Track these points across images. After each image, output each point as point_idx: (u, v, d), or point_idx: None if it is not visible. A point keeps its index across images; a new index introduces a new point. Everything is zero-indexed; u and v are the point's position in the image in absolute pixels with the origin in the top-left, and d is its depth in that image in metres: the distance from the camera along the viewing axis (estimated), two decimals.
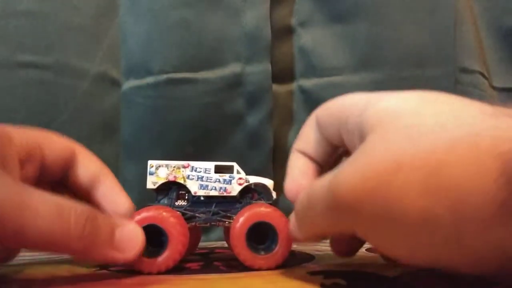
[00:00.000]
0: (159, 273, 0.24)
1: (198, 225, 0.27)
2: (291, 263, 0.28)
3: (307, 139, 0.26)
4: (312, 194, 0.21)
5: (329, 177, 0.20)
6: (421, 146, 0.17)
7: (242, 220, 0.25)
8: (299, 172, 0.26)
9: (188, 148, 0.43)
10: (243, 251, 0.25)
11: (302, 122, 0.43)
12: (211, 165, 0.27)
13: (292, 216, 0.24)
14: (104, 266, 0.28)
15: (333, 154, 0.26)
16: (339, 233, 0.25)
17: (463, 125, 0.17)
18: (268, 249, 0.25)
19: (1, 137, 0.22)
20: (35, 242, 0.20)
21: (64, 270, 0.27)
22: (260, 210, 0.25)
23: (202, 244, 0.41)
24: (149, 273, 0.24)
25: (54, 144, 0.26)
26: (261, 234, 0.25)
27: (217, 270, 0.26)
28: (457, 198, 0.15)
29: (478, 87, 0.45)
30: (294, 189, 0.25)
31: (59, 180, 0.27)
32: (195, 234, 0.30)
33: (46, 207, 0.20)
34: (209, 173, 0.27)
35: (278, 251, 0.25)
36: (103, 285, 0.22)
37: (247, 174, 0.28)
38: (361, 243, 0.26)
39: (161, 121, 0.43)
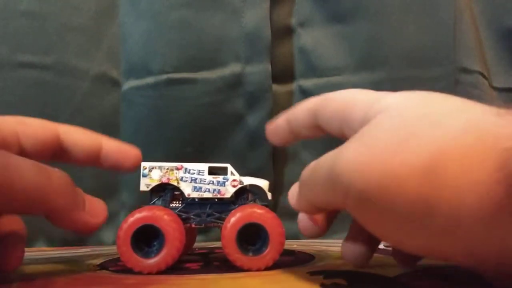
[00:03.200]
0: (159, 272, 0.24)
1: (193, 226, 0.27)
2: (291, 263, 0.28)
3: (297, 120, 0.27)
4: (318, 163, 0.22)
5: (335, 151, 0.21)
6: (427, 133, 0.17)
7: (233, 221, 0.25)
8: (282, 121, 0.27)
9: (188, 148, 0.43)
10: (233, 252, 0.25)
11: None
12: (204, 166, 0.27)
13: (295, 186, 0.25)
14: (104, 266, 0.28)
15: (317, 137, 0.27)
16: (332, 208, 0.25)
17: (467, 120, 0.17)
18: (258, 251, 0.25)
19: None
20: (21, 200, 0.20)
21: (64, 270, 0.27)
22: (251, 211, 0.25)
23: (202, 244, 0.41)
24: (149, 273, 0.24)
25: (30, 129, 0.26)
26: (254, 236, 0.25)
27: (217, 270, 0.26)
28: (456, 189, 0.16)
29: (478, 87, 0.45)
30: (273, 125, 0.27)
31: (50, 160, 0.27)
32: (190, 234, 0.30)
33: (29, 168, 0.21)
34: (202, 175, 0.27)
35: (268, 253, 0.25)
36: (103, 285, 0.22)
37: (247, 174, 0.27)
38: (373, 250, 0.25)
39: (161, 121, 0.43)
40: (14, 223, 0.26)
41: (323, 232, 0.26)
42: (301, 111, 0.26)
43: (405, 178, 0.16)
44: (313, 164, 0.23)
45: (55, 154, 0.27)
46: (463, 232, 0.16)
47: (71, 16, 0.44)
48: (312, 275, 0.24)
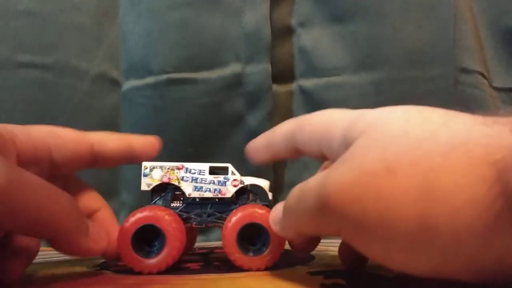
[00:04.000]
0: (159, 272, 0.24)
1: (194, 226, 0.27)
2: (291, 263, 0.28)
3: (276, 144, 0.26)
4: (304, 189, 0.21)
5: (322, 177, 0.20)
6: (416, 152, 0.16)
7: (233, 220, 0.25)
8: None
9: (188, 148, 0.43)
10: (233, 251, 0.25)
11: None
12: (205, 166, 0.27)
13: (277, 208, 0.24)
14: (104, 266, 0.28)
15: (295, 158, 0.27)
16: (320, 234, 0.25)
17: (456, 134, 0.16)
18: (259, 251, 0.25)
19: (2, 135, 0.23)
20: (27, 221, 0.20)
21: (64, 270, 0.27)
22: (252, 211, 0.25)
23: (202, 244, 0.41)
24: (149, 273, 0.24)
25: (62, 140, 0.26)
26: (255, 236, 0.25)
27: (217, 270, 0.26)
28: (453, 207, 0.15)
29: (478, 87, 0.45)
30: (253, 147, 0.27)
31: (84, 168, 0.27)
32: (191, 234, 0.30)
33: (39, 189, 0.20)
34: (203, 175, 0.27)
35: (268, 253, 0.25)
36: (103, 285, 0.22)
37: (247, 174, 0.27)
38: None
39: (161, 121, 0.43)
40: (28, 238, 0.25)
41: (316, 245, 0.26)
42: (279, 134, 0.26)
43: (400, 200, 0.16)
44: (297, 190, 0.22)
45: (89, 163, 0.27)
46: (464, 249, 0.15)
47: (71, 16, 0.44)
48: (312, 275, 0.24)
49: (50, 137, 0.25)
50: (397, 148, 0.17)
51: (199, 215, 0.26)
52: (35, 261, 0.25)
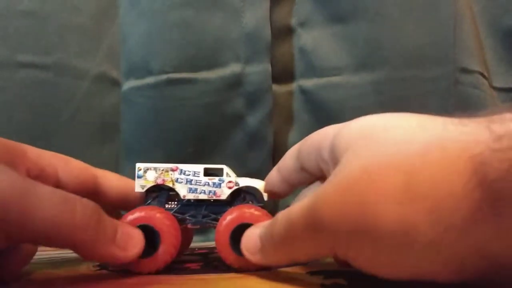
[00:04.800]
0: (158, 271, 0.24)
1: (189, 227, 0.26)
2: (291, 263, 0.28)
3: (286, 165, 0.27)
4: (291, 217, 0.21)
5: (309, 199, 0.20)
6: (393, 155, 0.17)
7: (226, 220, 0.25)
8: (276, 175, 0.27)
9: (188, 148, 0.43)
10: (225, 251, 0.25)
11: (302, 122, 0.43)
12: (200, 168, 0.26)
13: (250, 237, 0.23)
14: (104, 266, 0.28)
15: (307, 182, 0.27)
16: (315, 258, 0.25)
17: (432, 134, 0.17)
18: None
19: (15, 149, 0.23)
20: (39, 232, 0.19)
21: (64, 270, 0.27)
22: (244, 212, 0.25)
23: (202, 244, 0.41)
24: (149, 273, 0.24)
25: (69, 167, 0.26)
26: None
27: (217, 270, 0.26)
28: (433, 203, 0.16)
29: (478, 87, 0.45)
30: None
31: None
32: (186, 235, 0.30)
33: (51, 197, 0.20)
34: (198, 176, 0.26)
35: None
36: (103, 285, 0.22)
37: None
38: None
39: (161, 121, 0.43)
40: None
41: None
42: (289, 156, 0.27)
43: (382, 203, 0.16)
44: (284, 217, 0.21)
45: (91, 195, 0.26)
46: (445, 244, 0.16)
47: (71, 16, 0.44)
48: (312, 275, 0.24)
49: (58, 161, 0.26)
50: (376, 153, 0.18)
51: (194, 216, 0.26)
52: (35, 261, 0.25)
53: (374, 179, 0.17)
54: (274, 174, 0.28)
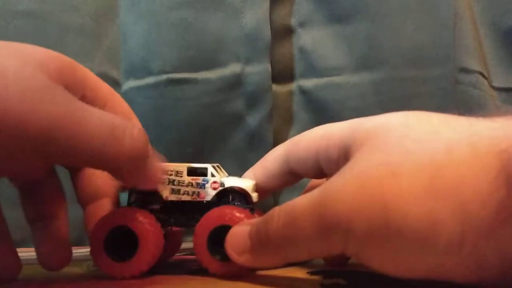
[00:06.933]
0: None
1: (172, 230, 0.25)
2: (291, 263, 0.28)
3: (266, 170, 0.26)
4: (295, 212, 0.19)
5: (318, 193, 0.19)
6: (419, 152, 0.16)
7: (203, 222, 0.24)
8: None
9: (188, 148, 0.43)
10: (201, 254, 0.24)
11: (302, 122, 0.43)
12: (183, 167, 0.25)
13: (237, 235, 0.22)
14: None
15: (283, 187, 0.26)
16: (323, 256, 0.24)
17: (457, 130, 0.16)
18: (227, 256, 0.23)
19: (78, 70, 0.24)
20: (84, 158, 0.20)
21: (63, 271, 0.27)
22: (225, 213, 0.23)
23: None
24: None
25: (115, 102, 0.27)
26: None
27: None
28: (459, 199, 0.15)
29: (478, 87, 0.45)
30: None
31: None
32: (174, 238, 0.28)
33: (101, 124, 0.20)
34: (181, 177, 0.25)
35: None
36: (102, 285, 0.22)
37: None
38: None
39: (161, 121, 0.43)
40: None
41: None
42: (272, 161, 0.26)
43: (407, 202, 0.16)
44: (282, 212, 0.20)
45: None
46: (467, 243, 0.15)
47: (71, 16, 0.44)
48: (312, 275, 0.24)
49: (109, 94, 0.26)
50: (400, 151, 0.17)
51: (178, 218, 0.25)
52: (35, 261, 0.25)
53: (397, 177, 0.16)
54: (250, 177, 0.27)
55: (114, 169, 0.21)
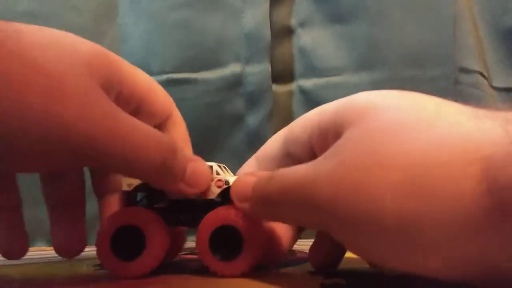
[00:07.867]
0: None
1: (176, 228, 0.25)
2: (291, 263, 0.28)
3: (267, 153, 0.26)
4: (285, 183, 0.20)
5: (306, 171, 0.19)
6: (411, 146, 0.16)
7: (205, 221, 0.23)
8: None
9: None
10: (204, 254, 0.23)
11: None
12: None
13: (243, 182, 0.23)
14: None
15: None
16: (301, 225, 0.25)
17: (448, 124, 0.16)
18: (231, 256, 0.23)
19: (113, 63, 0.24)
20: (117, 167, 0.21)
21: (64, 270, 0.27)
22: (226, 213, 0.23)
23: None
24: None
25: (151, 99, 0.27)
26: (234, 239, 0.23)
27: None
28: (442, 201, 0.15)
29: (478, 87, 0.45)
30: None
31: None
32: (177, 237, 0.28)
33: (134, 137, 0.20)
34: None
35: (241, 259, 0.23)
36: (103, 285, 0.22)
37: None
38: (341, 255, 0.25)
39: None
40: None
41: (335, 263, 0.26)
42: (271, 143, 0.26)
43: (391, 196, 0.16)
44: (277, 177, 0.20)
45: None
46: (452, 246, 0.15)
47: (71, 17, 0.44)
48: (312, 275, 0.24)
49: (146, 91, 0.26)
50: (391, 141, 0.17)
51: (183, 217, 0.25)
52: (35, 261, 0.25)
53: (385, 169, 0.16)
54: (251, 163, 0.27)
55: (140, 177, 0.22)
